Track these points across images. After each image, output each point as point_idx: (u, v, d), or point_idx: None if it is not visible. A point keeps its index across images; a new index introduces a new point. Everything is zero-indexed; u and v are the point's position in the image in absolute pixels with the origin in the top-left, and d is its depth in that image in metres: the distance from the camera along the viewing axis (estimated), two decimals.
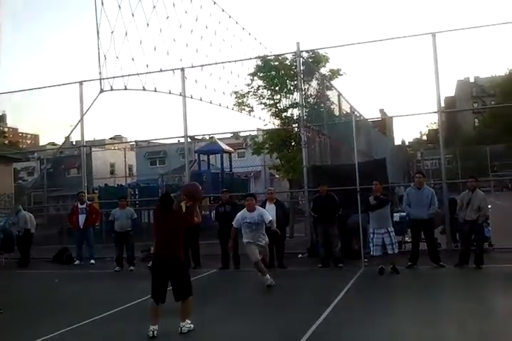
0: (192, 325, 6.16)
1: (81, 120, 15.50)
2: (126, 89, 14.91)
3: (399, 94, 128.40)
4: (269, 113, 22.07)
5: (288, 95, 22.06)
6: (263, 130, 22.44)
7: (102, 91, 14.80)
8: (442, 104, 13.90)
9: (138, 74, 14.90)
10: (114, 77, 15.07)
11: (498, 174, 38.39)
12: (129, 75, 15.02)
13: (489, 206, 10.55)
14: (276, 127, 21.90)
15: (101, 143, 37.68)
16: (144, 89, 14.43)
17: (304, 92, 14.10)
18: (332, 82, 19.63)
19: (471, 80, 78.39)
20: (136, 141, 35.08)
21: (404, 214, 10.89)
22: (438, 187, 12.60)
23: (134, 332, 6.28)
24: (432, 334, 5.73)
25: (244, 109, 22.03)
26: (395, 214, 10.65)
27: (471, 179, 10.24)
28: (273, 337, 5.89)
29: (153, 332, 5.95)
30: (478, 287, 8.24)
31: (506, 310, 6.72)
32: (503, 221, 15.40)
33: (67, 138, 19.63)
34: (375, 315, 6.68)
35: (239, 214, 8.94)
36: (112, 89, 14.77)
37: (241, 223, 8.71)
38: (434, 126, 68.40)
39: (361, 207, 10.25)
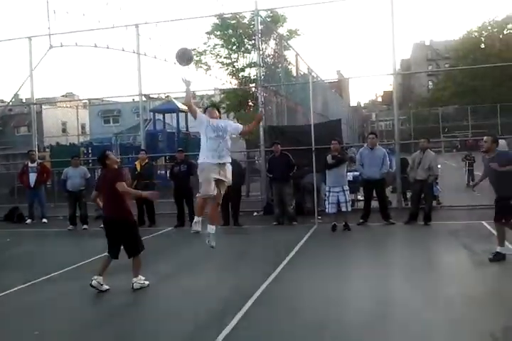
0: (147, 282, 6.23)
1: (30, 76, 14.94)
2: (76, 45, 14.38)
3: (356, 56, 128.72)
4: (227, 72, 21.83)
5: (245, 54, 21.78)
6: (220, 89, 22.22)
7: (51, 47, 14.27)
8: (398, 67, 14.04)
9: (89, 30, 14.36)
10: (64, 33, 14.47)
11: (448, 135, 39.55)
12: (79, 31, 14.48)
13: (439, 166, 10.90)
14: (234, 87, 21.70)
15: (52, 101, 36.48)
16: (96, 46, 13.94)
17: (261, 52, 13.92)
18: (290, 42, 19.46)
19: (427, 43, 79.12)
20: (89, 99, 34.09)
21: (358, 173, 11.14)
22: (391, 148, 12.90)
23: (87, 289, 6.27)
24: (378, 285, 5.99)
25: (201, 67, 21.66)
26: (348, 174, 10.87)
27: (424, 140, 10.52)
28: (226, 293, 6.00)
29: (96, 280, 6.04)
30: (425, 243, 8.58)
31: (447, 263, 7.06)
32: (452, 180, 16.01)
33: (16, 94, 18.97)
34: (327, 268, 6.91)
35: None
36: (61, 45, 14.25)
37: (204, 123, 5.99)
38: (390, 88, 69.31)
39: (319, 166, 10.44)
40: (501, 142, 17.16)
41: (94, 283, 6.08)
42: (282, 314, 5.13)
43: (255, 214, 12.41)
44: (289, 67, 17.44)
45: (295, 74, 17.75)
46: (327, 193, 9.96)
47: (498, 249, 6.77)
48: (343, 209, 9.83)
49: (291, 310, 5.21)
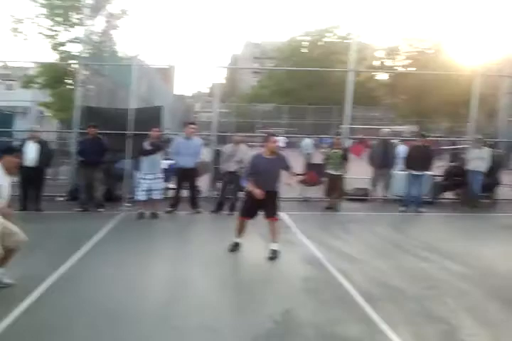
0: None
1: None
2: None
3: (188, 46, 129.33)
4: (48, 45, 20.38)
5: (70, 29, 20.51)
6: (37, 62, 20.71)
7: None
8: (228, 61, 14.46)
9: None
10: None
11: (263, 131, 41.83)
12: None
13: None
14: (54, 61, 20.34)
15: None
16: None
17: (88, 28, 13.24)
18: (119, 22, 18.82)
19: (258, 42, 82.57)
20: None
21: (173, 161, 11.20)
22: (208, 139, 13.19)
23: None
24: (173, 273, 6.15)
25: (17, 36, 19.97)
26: (164, 162, 10.87)
27: (238, 133, 11.01)
28: (16, 280, 5.61)
29: None
30: (226, 231, 8.81)
31: (243, 250, 7.37)
32: None
33: None
34: (126, 256, 6.90)
35: None
36: None
37: None
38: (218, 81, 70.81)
39: (134, 152, 10.27)
40: (307, 140, 18.76)
41: None
42: (68, 306, 4.98)
43: (60, 199, 11.70)
44: (115, 47, 16.89)
45: (121, 56, 17.24)
46: (140, 180, 9.86)
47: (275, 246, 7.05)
48: (155, 197, 9.83)
49: (79, 302, 5.09)
